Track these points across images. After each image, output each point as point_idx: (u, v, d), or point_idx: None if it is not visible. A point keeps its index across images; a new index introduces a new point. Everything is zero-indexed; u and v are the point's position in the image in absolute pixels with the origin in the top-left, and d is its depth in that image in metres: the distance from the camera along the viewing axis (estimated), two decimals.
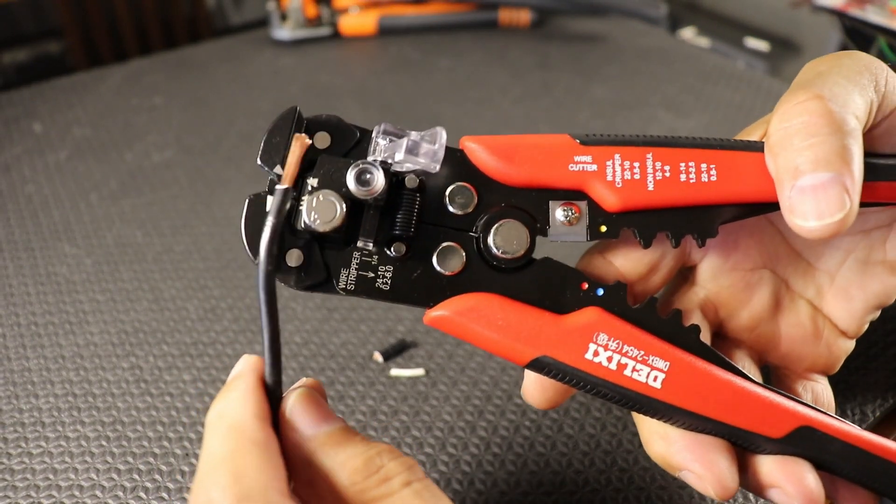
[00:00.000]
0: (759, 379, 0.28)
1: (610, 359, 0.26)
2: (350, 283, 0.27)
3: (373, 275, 0.27)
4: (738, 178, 0.27)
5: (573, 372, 0.26)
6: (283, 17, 0.81)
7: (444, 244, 0.27)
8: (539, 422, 0.38)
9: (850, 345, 0.32)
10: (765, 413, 0.26)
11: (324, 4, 0.83)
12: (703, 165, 0.27)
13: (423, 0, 0.83)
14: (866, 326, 0.32)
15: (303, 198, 0.26)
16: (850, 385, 0.39)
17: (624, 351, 0.26)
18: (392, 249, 0.27)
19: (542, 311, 0.27)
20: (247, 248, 0.26)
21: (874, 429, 0.37)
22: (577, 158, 0.27)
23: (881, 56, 0.78)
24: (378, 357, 0.42)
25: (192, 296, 0.47)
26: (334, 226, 0.25)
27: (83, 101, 0.69)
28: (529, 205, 0.27)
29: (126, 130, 0.64)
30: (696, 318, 0.30)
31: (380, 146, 0.27)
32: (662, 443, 0.28)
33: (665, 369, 0.26)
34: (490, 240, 0.27)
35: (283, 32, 0.80)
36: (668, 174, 0.27)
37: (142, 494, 0.35)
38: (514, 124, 0.65)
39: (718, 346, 0.31)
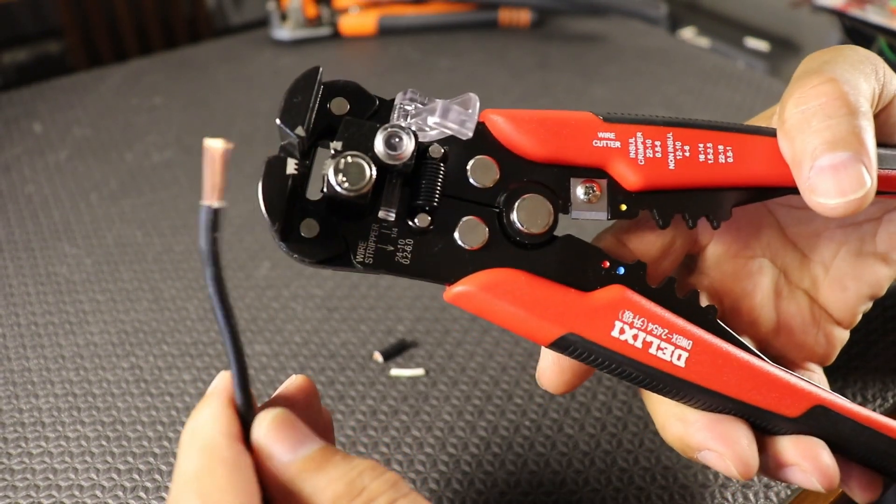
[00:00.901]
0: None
1: (636, 337, 0.26)
2: (368, 257, 0.25)
3: (392, 248, 0.26)
4: (753, 161, 0.27)
5: (599, 350, 0.26)
6: (283, 17, 0.81)
7: (466, 218, 0.26)
8: (539, 422, 0.38)
9: (846, 335, 0.33)
10: (782, 392, 0.26)
11: (324, 4, 0.83)
12: (721, 147, 0.27)
13: (423, 0, 0.83)
14: (860, 317, 0.33)
15: (326, 162, 0.25)
16: (847, 384, 0.39)
17: (649, 329, 0.26)
18: (415, 221, 0.26)
19: (567, 288, 0.26)
20: (264, 211, 0.24)
21: None
22: (600, 135, 0.27)
23: (881, 56, 0.78)
24: (378, 357, 0.42)
25: (191, 296, 0.47)
26: (363, 191, 0.24)
27: (83, 101, 0.69)
28: (551, 181, 0.27)
29: (126, 130, 0.64)
30: (705, 303, 0.30)
31: (407, 111, 0.26)
32: (680, 424, 0.27)
33: (688, 348, 0.26)
34: (514, 215, 0.26)
35: (283, 32, 0.80)
36: (687, 154, 0.27)
37: (142, 494, 0.35)
38: None
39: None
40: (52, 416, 0.39)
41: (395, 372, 0.41)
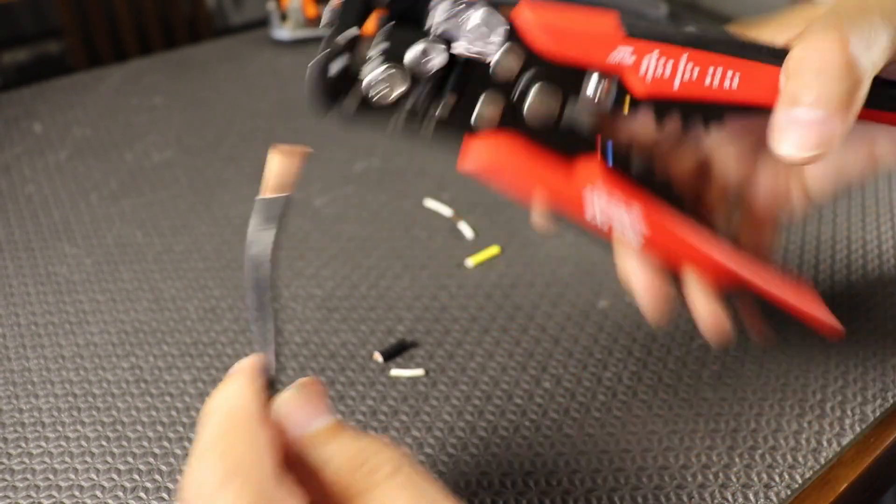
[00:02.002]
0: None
1: (603, 211, 0.31)
2: (399, 126, 0.30)
3: (420, 121, 0.30)
4: (756, 89, 0.29)
5: (574, 217, 0.31)
6: (283, 17, 0.81)
7: (484, 99, 0.30)
8: (539, 422, 0.38)
9: (813, 206, 0.38)
10: (710, 266, 0.32)
11: (324, 4, 0.83)
12: (729, 73, 0.29)
13: None
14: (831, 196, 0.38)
15: (363, 69, 0.28)
16: (847, 384, 0.39)
17: (614, 203, 0.31)
18: (441, 101, 0.29)
19: (558, 159, 0.31)
20: (312, 102, 0.28)
21: (874, 429, 0.37)
22: (619, 48, 0.29)
23: None
24: (378, 357, 0.42)
25: (192, 296, 0.47)
26: (393, 101, 0.28)
27: (83, 101, 0.69)
28: (566, 77, 0.30)
29: (126, 130, 0.64)
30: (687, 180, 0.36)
31: (438, 18, 0.29)
32: (628, 269, 0.34)
33: (640, 220, 0.31)
34: (526, 103, 0.30)
35: (283, 32, 0.80)
36: (695, 77, 0.29)
37: (142, 495, 0.35)
38: None
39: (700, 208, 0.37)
40: (52, 417, 0.39)
41: (395, 372, 0.41)
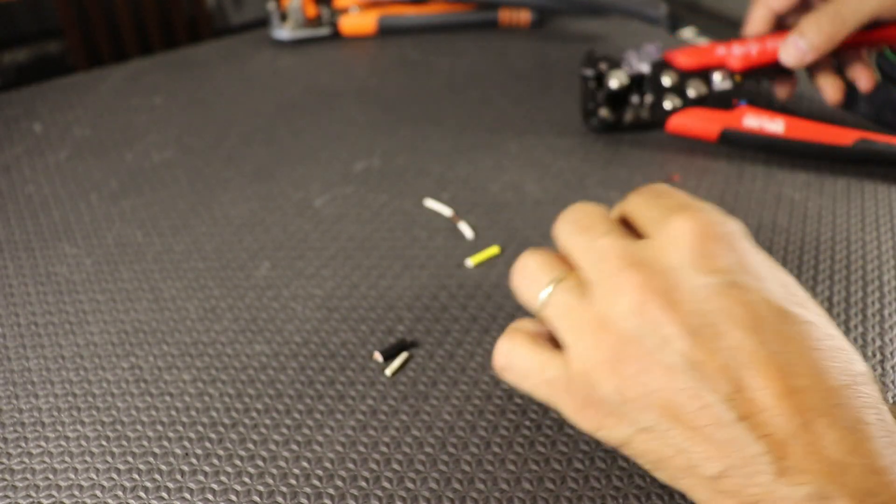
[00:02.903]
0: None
1: (757, 123, 0.56)
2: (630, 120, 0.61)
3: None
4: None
5: (739, 132, 0.57)
6: (283, 17, 0.81)
7: (667, 99, 0.59)
8: (539, 421, 0.38)
9: None
10: (837, 133, 0.55)
11: (324, 4, 0.83)
12: (779, 41, 0.58)
13: (423, 0, 0.83)
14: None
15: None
16: None
17: (761, 118, 0.56)
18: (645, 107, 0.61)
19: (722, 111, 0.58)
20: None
21: None
22: (717, 51, 0.60)
23: (881, 56, 0.78)
24: (378, 357, 0.42)
25: (192, 296, 0.47)
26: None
27: (83, 101, 0.69)
28: (700, 76, 0.59)
29: (126, 130, 0.64)
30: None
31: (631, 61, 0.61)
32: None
33: (783, 124, 0.55)
34: (688, 91, 0.59)
35: (283, 32, 0.80)
36: (763, 48, 0.58)
37: (141, 494, 0.35)
38: (514, 124, 0.65)
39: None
40: (51, 416, 0.39)
41: (389, 371, 0.41)
